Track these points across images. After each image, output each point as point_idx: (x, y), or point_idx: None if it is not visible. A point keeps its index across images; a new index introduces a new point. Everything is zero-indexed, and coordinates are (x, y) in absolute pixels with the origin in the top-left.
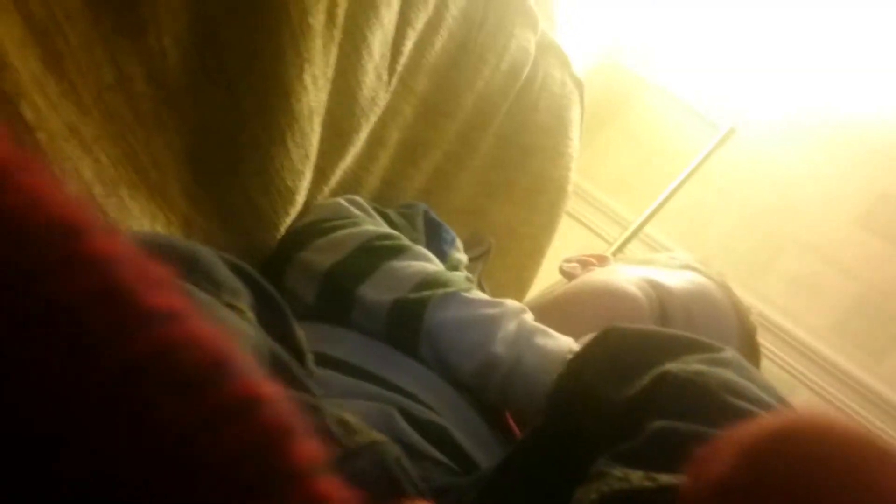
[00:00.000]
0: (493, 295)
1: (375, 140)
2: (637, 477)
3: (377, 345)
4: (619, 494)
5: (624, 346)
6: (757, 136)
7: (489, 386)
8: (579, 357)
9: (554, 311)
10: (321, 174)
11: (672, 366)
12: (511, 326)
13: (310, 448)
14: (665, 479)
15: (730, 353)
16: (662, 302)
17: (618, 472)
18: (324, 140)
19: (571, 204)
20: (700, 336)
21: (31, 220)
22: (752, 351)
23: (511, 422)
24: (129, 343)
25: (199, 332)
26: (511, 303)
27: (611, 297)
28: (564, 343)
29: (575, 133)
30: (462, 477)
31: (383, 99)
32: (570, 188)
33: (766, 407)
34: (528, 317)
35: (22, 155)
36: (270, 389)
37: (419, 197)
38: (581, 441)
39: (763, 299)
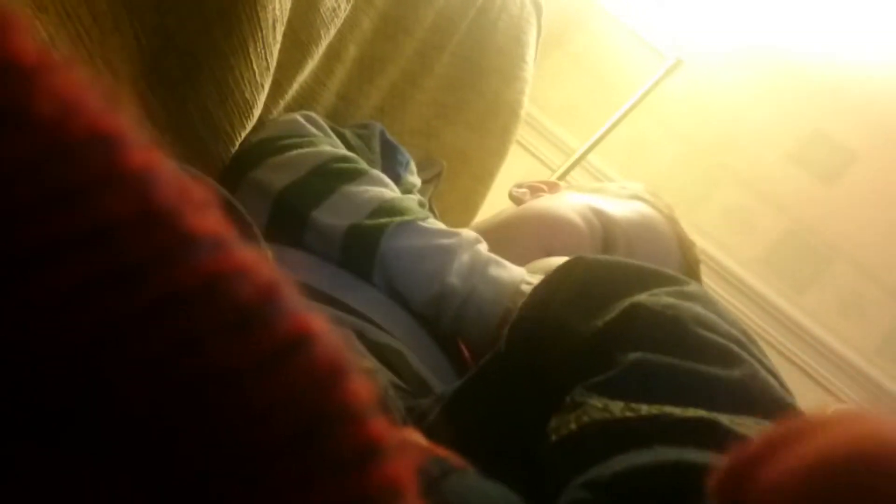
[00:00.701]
0: (441, 218)
1: (333, 54)
2: (618, 407)
3: (332, 267)
4: (601, 424)
5: (591, 278)
6: (701, 69)
7: (443, 315)
8: (545, 286)
9: (497, 236)
10: (277, 87)
11: (642, 298)
12: (465, 257)
13: (362, 387)
14: (646, 409)
15: (695, 286)
16: (606, 230)
17: (597, 402)
18: (281, 51)
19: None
20: (663, 269)
21: (66, 132)
22: None
23: (464, 349)
24: (173, 271)
25: (247, 261)
26: (466, 233)
27: (551, 224)
28: (517, 274)
29: (530, 57)
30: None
31: (344, 10)
32: (523, 113)
33: (734, 341)
34: (483, 247)
35: (49, 53)
36: (321, 324)
37: (374, 115)
38: (545, 370)
39: (698, 230)
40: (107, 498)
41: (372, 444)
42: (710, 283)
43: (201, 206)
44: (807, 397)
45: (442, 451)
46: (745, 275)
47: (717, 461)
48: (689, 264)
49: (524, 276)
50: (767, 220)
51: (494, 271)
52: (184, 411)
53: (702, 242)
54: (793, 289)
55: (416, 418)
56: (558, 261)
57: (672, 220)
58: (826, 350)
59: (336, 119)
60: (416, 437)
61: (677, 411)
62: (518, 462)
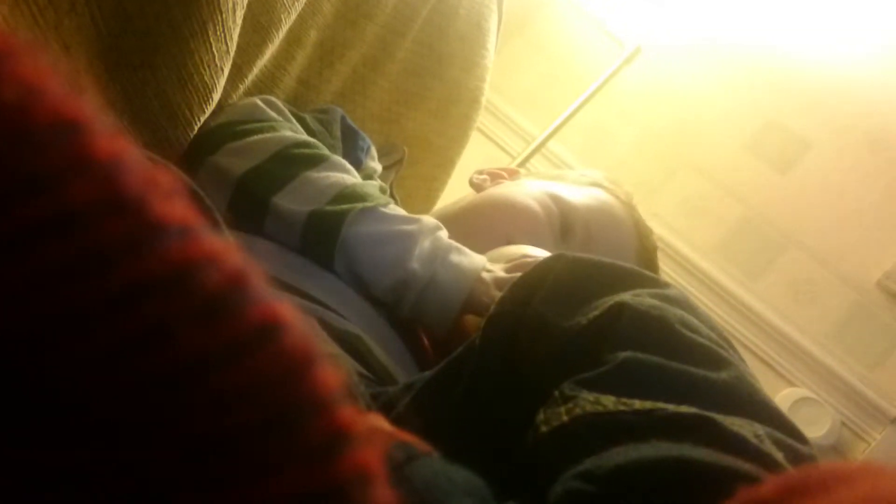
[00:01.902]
0: (402, 205)
1: (293, 38)
2: (610, 401)
3: (292, 255)
4: (593, 417)
5: (572, 275)
6: (660, 59)
7: (403, 302)
8: (524, 282)
9: (457, 223)
10: (237, 71)
11: (626, 297)
12: (426, 244)
13: (330, 375)
14: (639, 404)
15: (675, 289)
16: (564, 216)
17: (588, 396)
18: (242, 35)
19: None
20: (643, 270)
21: (29, 118)
22: (651, 270)
23: (423, 338)
24: (140, 259)
25: (215, 249)
26: (427, 219)
27: (510, 211)
28: (478, 261)
29: (491, 44)
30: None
31: None
32: (484, 100)
33: (716, 344)
34: (443, 234)
35: (10, 38)
36: (290, 312)
37: (335, 101)
38: (523, 365)
39: (655, 217)
40: (72, 490)
41: (341, 433)
42: (667, 270)
43: (168, 193)
44: (761, 381)
45: (407, 437)
46: (700, 262)
47: (718, 459)
48: (647, 251)
49: (485, 263)
50: (723, 207)
51: (455, 258)
52: (150, 401)
53: (659, 229)
54: (747, 275)
55: (382, 406)
56: (517, 249)
57: (630, 207)
58: (779, 335)
59: (297, 104)
60: (381, 422)
61: (671, 407)
62: (489, 454)
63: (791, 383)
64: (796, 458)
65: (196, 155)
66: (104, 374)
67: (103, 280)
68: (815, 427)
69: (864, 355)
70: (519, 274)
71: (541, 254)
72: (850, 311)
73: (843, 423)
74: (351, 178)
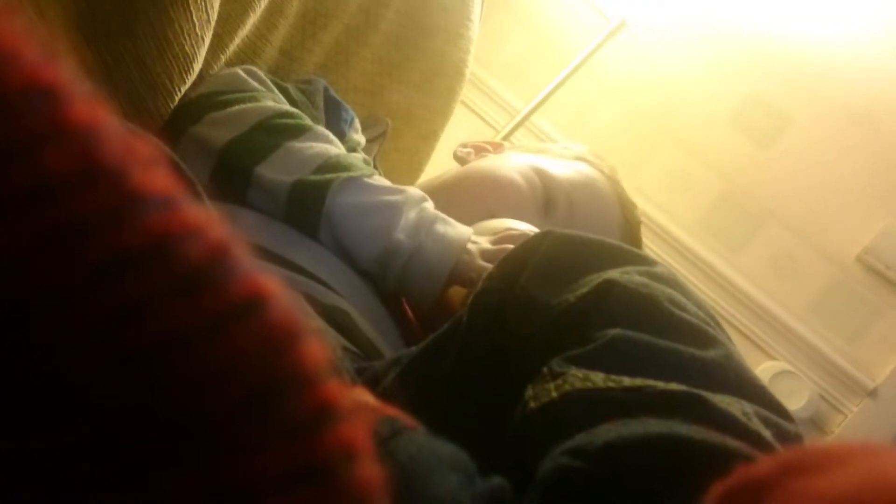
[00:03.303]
0: (386, 177)
1: (275, 9)
2: (599, 378)
3: (277, 225)
4: (583, 394)
5: (560, 252)
6: (644, 33)
7: (389, 272)
8: (512, 258)
9: (441, 196)
10: (218, 41)
11: (614, 275)
12: (412, 214)
13: (315, 350)
14: (628, 381)
15: (663, 267)
16: (547, 190)
17: (578, 372)
18: (223, 4)
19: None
20: (631, 247)
21: (2, 84)
22: (634, 244)
23: (408, 309)
24: (120, 231)
25: (197, 221)
26: (412, 190)
27: (493, 184)
28: (464, 232)
29: (476, 15)
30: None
31: None
32: (468, 72)
33: (704, 322)
34: (429, 205)
35: None
36: (274, 286)
37: (317, 72)
38: (510, 341)
39: (638, 192)
40: (49, 470)
41: (326, 408)
42: (650, 244)
43: (147, 163)
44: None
45: (392, 411)
46: (683, 236)
47: (708, 437)
48: (630, 225)
49: (470, 234)
50: (705, 182)
51: (441, 228)
52: (130, 378)
53: (642, 204)
54: (728, 249)
55: (368, 381)
56: (501, 223)
57: (614, 182)
58: (759, 309)
59: (279, 75)
60: (367, 397)
61: (660, 384)
62: (475, 429)
63: (770, 356)
64: (782, 435)
65: (177, 125)
66: (82, 351)
67: (80, 253)
68: (794, 399)
69: (843, 329)
70: (505, 246)
71: (524, 227)
72: (829, 285)
73: (821, 396)
74: (335, 148)
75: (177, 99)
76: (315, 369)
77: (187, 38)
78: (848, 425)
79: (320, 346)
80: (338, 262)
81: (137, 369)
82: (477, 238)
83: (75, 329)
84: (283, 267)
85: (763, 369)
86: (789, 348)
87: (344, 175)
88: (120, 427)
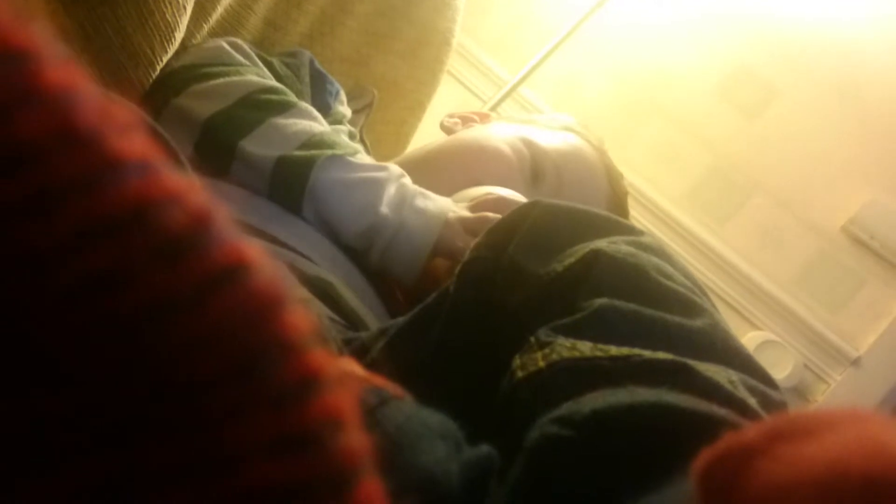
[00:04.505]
0: (372, 148)
1: None
2: (587, 347)
3: (260, 199)
4: (570, 363)
5: (547, 222)
6: (632, 3)
7: (373, 248)
8: (499, 228)
9: (426, 165)
10: (201, 10)
11: (601, 244)
12: (392, 190)
13: (299, 318)
14: (615, 350)
15: (650, 237)
16: (535, 160)
17: (565, 342)
18: None
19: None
20: (619, 217)
21: None
22: (621, 215)
23: (393, 285)
24: (98, 197)
25: (177, 187)
26: (393, 167)
27: (479, 153)
28: (444, 204)
29: None
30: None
31: None
32: (455, 42)
33: (691, 292)
34: (407, 181)
35: None
36: (256, 252)
37: (302, 43)
38: (497, 311)
39: (626, 163)
40: (25, 437)
41: (311, 376)
42: (637, 216)
43: (126, 129)
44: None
45: (379, 380)
46: (669, 207)
47: (695, 405)
48: (617, 196)
49: (450, 205)
50: (692, 154)
51: (421, 203)
52: (110, 347)
53: (629, 175)
54: (715, 220)
55: (355, 351)
56: (483, 190)
57: (601, 153)
58: (745, 279)
59: (263, 46)
60: (354, 366)
61: (647, 353)
62: (463, 398)
63: (756, 326)
64: (768, 403)
65: (159, 96)
66: (60, 319)
67: (56, 219)
68: (778, 369)
69: (828, 299)
70: (484, 214)
71: (503, 192)
72: (814, 255)
73: (806, 366)
74: (319, 125)
75: (158, 69)
76: (300, 337)
77: (168, 6)
78: (832, 394)
79: (305, 314)
80: (321, 238)
81: (117, 337)
82: (456, 208)
83: (53, 296)
84: (269, 242)
85: (748, 339)
86: (774, 318)
87: (328, 152)
88: (100, 395)
